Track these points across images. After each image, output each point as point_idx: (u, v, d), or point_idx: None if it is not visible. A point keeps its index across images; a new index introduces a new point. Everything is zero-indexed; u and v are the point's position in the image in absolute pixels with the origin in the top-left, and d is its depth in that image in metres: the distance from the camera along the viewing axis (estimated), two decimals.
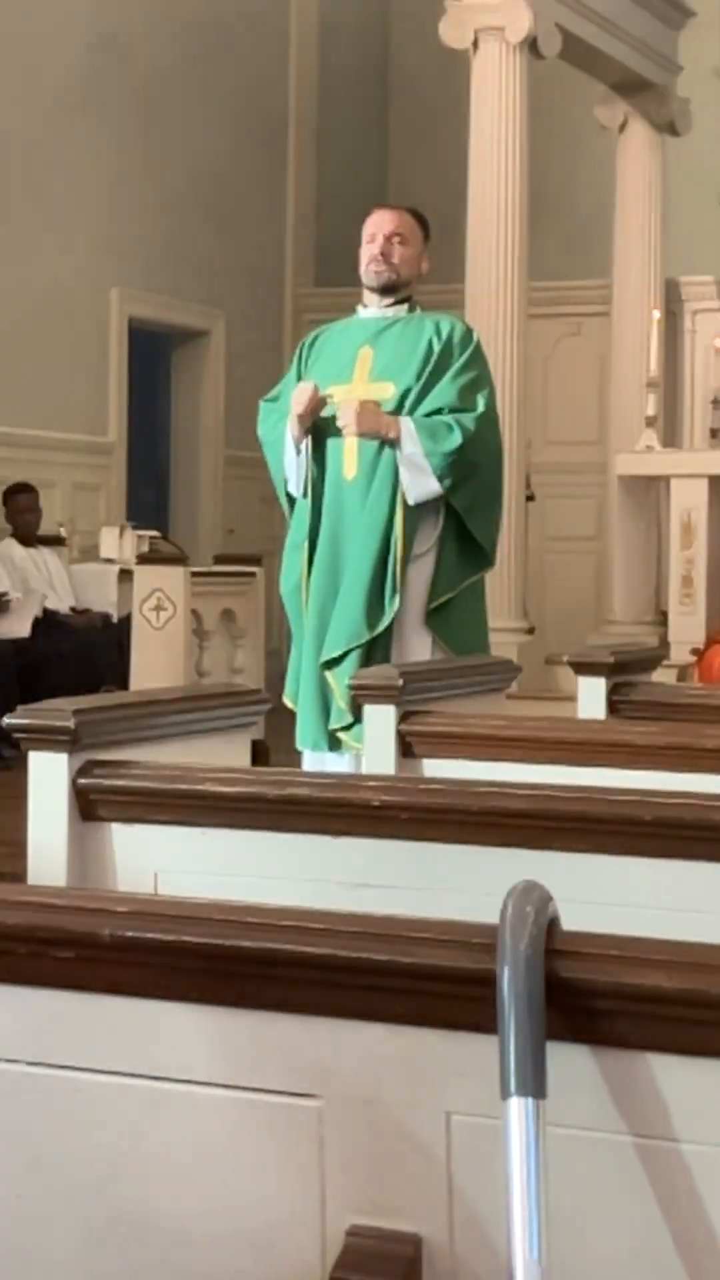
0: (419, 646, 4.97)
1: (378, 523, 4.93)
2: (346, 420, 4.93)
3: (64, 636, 9.58)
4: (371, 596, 4.92)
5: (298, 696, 5.08)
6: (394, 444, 4.90)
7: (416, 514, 4.93)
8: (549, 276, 11.46)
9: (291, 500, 5.15)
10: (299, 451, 5.02)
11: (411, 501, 4.90)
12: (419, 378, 4.94)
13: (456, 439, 4.86)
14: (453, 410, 4.92)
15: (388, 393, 4.96)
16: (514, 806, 2.84)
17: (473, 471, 4.94)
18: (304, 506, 5.06)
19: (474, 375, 4.97)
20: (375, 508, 4.94)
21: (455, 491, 4.92)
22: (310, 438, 5.01)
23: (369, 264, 5.06)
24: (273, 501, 5.38)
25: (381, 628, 4.91)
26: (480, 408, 4.93)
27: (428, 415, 4.92)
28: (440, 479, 4.88)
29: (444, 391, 4.93)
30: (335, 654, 4.93)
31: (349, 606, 4.94)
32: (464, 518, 4.98)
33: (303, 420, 4.96)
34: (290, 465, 5.06)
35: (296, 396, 4.98)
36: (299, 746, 5.10)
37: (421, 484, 4.89)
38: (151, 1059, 1.91)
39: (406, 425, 4.89)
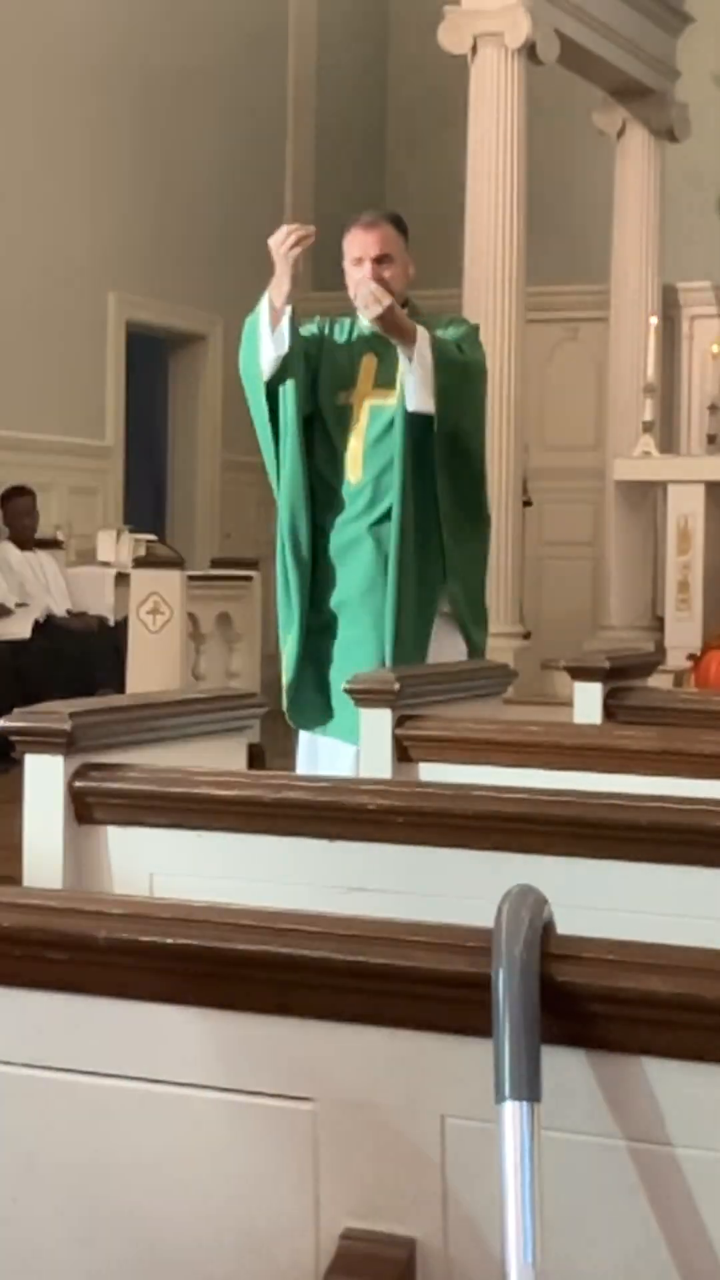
0: (450, 648, 4.90)
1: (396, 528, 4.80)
2: (368, 303, 4.69)
3: (61, 639, 9.58)
4: (420, 608, 4.81)
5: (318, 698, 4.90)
6: (407, 346, 4.72)
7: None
8: (546, 281, 11.48)
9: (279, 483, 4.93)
10: (274, 327, 4.74)
11: (411, 408, 4.74)
12: None
13: (462, 358, 4.78)
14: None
15: (393, 399, 4.89)
16: (509, 811, 2.84)
17: (465, 401, 4.82)
18: (295, 493, 4.88)
19: (469, 342, 4.92)
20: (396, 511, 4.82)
21: (450, 429, 4.78)
22: (310, 452, 4.87)
23: (359, 291, 4.86)
24: (270, 505, 5.22)
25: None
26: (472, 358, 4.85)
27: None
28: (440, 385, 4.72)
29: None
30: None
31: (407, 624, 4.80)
32: (449, 464, 4.83)
33: (282, 273, 4.67)
34: (266, 343, 4.77)
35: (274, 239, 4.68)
36: (336, 736, 4.85)
37: (421, 387, 4.72)
38: (146, 1062, 1.91)
39: (424, 335, 4.72)
